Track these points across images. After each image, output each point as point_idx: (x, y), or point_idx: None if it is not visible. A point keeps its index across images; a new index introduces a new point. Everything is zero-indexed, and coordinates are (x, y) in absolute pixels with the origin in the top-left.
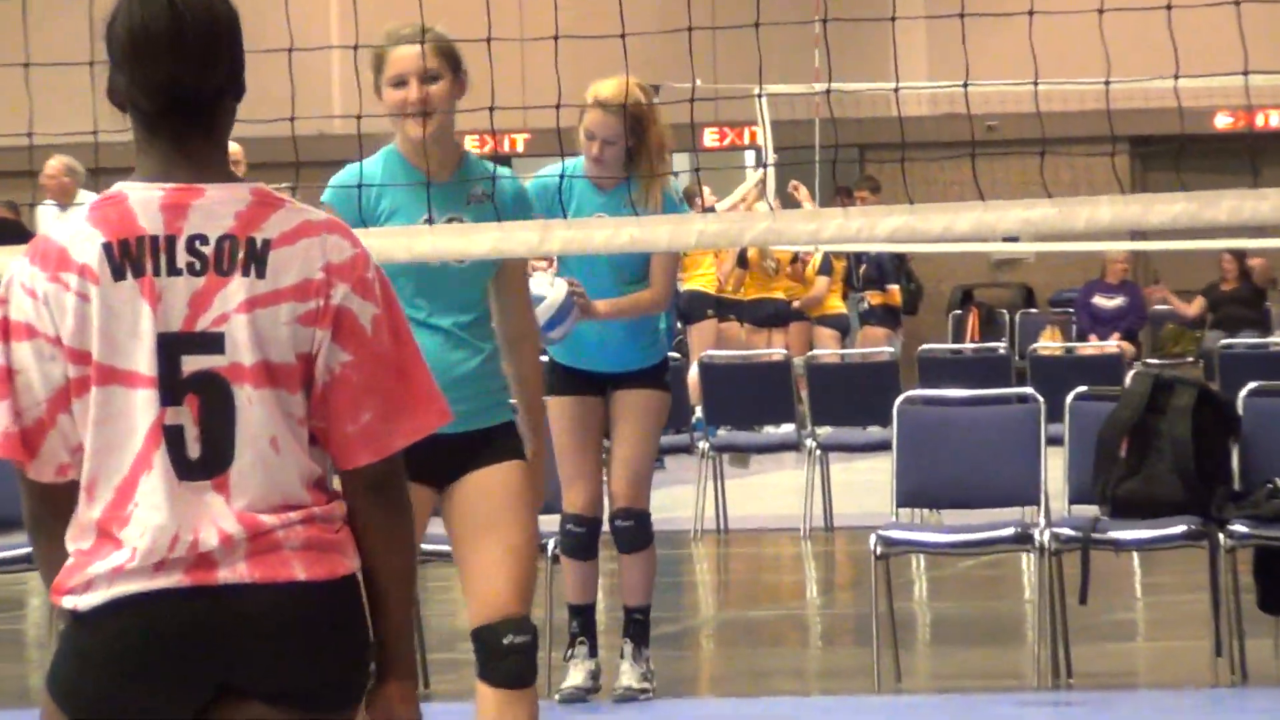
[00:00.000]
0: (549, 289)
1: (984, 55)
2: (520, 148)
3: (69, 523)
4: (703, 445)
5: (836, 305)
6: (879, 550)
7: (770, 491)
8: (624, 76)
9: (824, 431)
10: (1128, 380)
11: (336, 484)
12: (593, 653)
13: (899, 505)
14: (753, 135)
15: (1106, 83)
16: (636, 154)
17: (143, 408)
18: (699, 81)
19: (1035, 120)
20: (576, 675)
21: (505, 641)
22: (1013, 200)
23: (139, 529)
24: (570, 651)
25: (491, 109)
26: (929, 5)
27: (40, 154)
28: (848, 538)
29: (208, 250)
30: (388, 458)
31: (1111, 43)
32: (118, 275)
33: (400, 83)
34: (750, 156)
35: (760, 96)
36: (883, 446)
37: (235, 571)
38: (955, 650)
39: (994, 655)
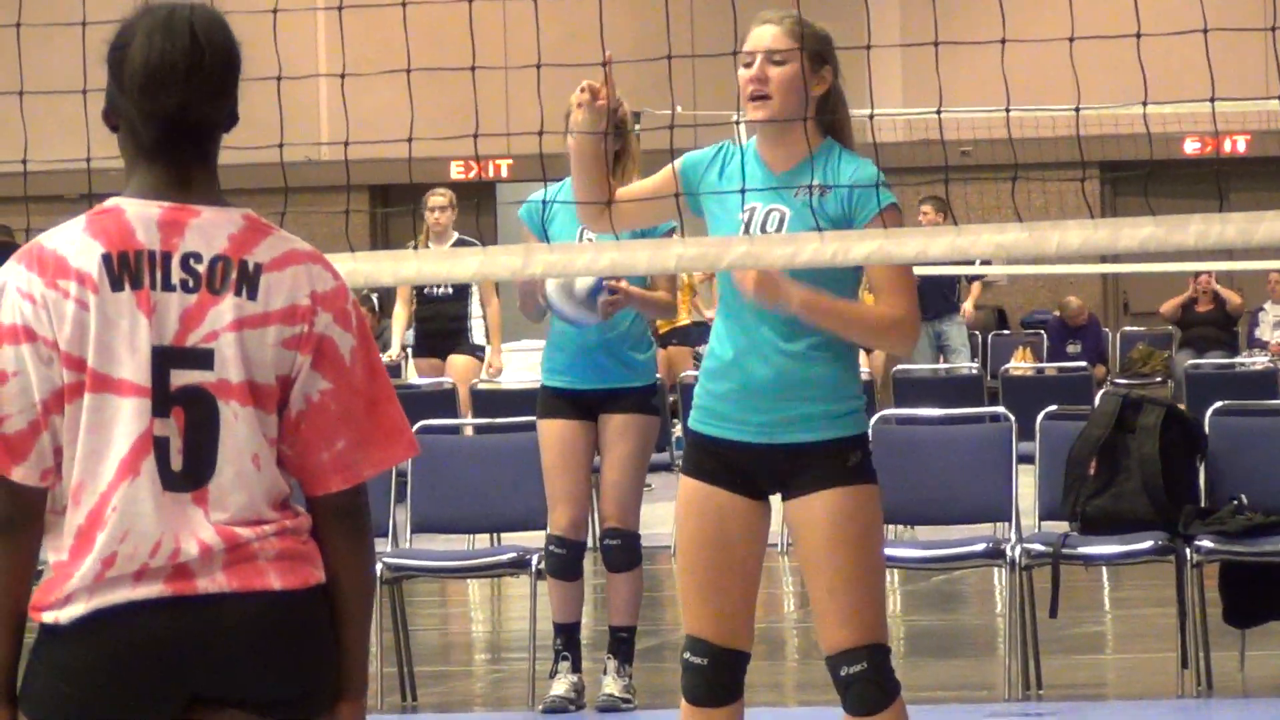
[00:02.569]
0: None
1: (958, 82)
2: (504, 173)
3: (37, 532)
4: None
5: None
6: None
7: None
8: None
9: None
10: (1097, 400)
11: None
12: (575, 669)
13: None
14: None
15: (1077, 110)
16: (619, 160)
17: (132, 416)
18: (679, 109)
19: (1008, 146)
20: (559, 686)
21: (842, 674)
22: (985, 224)
23: (118, 533)
24: (554, 668)
25: (476, 135)
26: (904, 33)
27: (34, 180)
28: None
29: (201, 269)
30: (356, 485)
31: (1082, 71)
32: (116, 286)
33: (747, 63)
34: None
35: (739, 124)
36: None
37: (214, 581)
38: (928, 662)
39: (966, 667)
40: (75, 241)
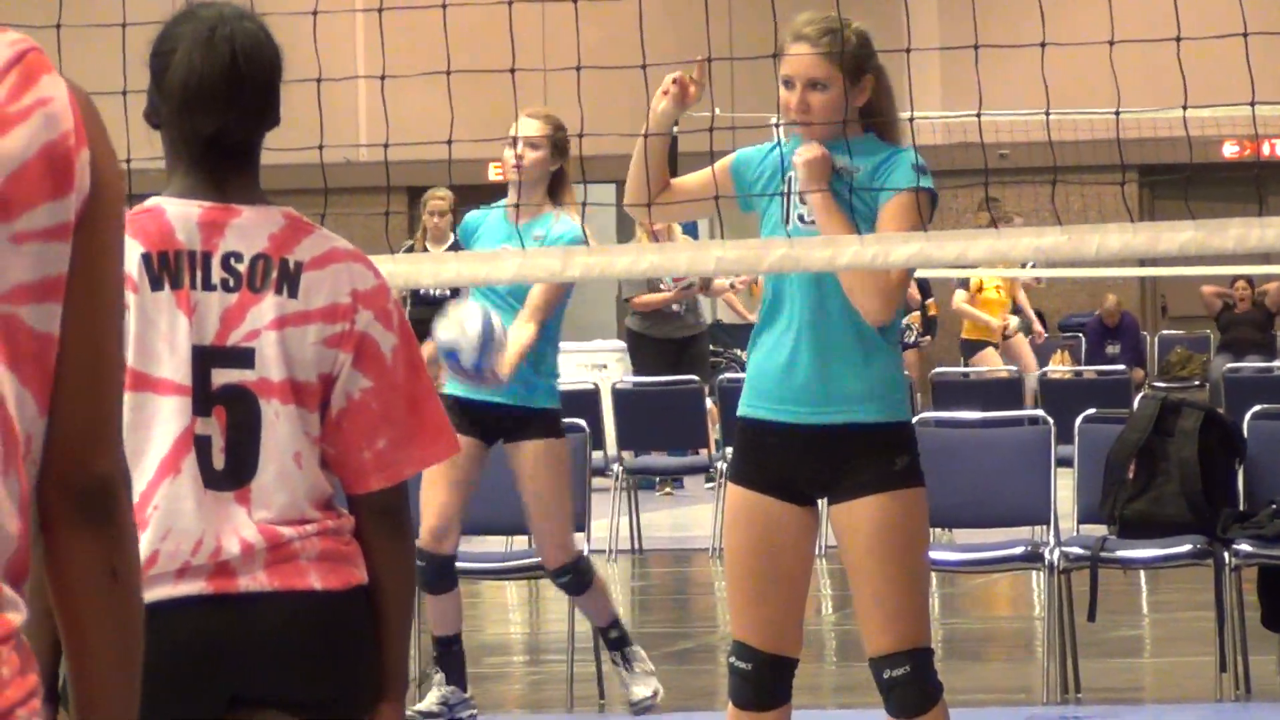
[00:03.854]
0: (464, 327)
1: (997, 85)
2: None
3: None
4: (720, 465)
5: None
6: None
7: None
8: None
9: None
10: (1136, 403)
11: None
12: (449, 681)
13: None
14: None
15: (1117, 113)
16: (558, 182)
17: (172, 415)
18: (718, 110)
19: (1047, 149)
20: (426, 701)
21: (885, 677)
22: (1025, 228)
23: (160, 531)
24: (423, 685)
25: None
26: (944, 36)
27: None
28: None
29: (242, 268)
30: (397, 484)
31: (1121, 74)
32: (155, 285)
33: (787, 84)
34: None
35: (778, 125)
36: None
37: (255, 580)
38: (967, 665)
39: (1004, 670)
40: None
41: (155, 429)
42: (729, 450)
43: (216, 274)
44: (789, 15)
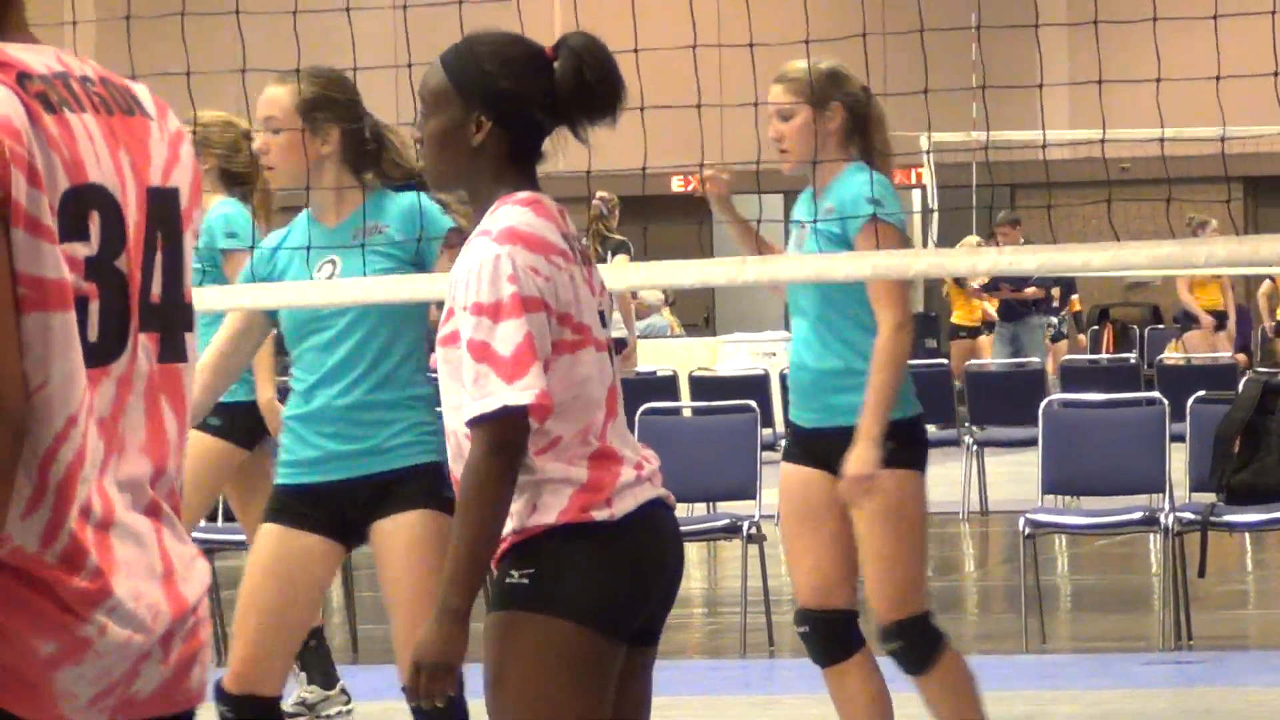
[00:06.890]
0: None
1: (1117, 107)
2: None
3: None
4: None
5: None
6: (1027, 531)
7: (933, 482)
8: None
9: (980, 430)
10: (1241, 386)
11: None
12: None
13: (1044, 492)
14: (919, 175)
15: (1223, 137)
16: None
17: (605, 365)
18: None
19: (1161, 163)
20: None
21: (887, 648)
22: (1144, 241)
23: (629, 449)
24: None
25: (701, 165)
26: (1071, 62)
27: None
28: (1000, 520)
29: (579, 247)
30: None
31: (1225, 99)
32: (575, 260)
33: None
34: (916, 195)
35: (928, 153)
36: (1031, 443)
37: (670, 497)
38: (1091, 616)
39: (1125, 621)
40: (540, 225)
41: (599, 378)
42: None
43: (579, 252)
44: (937, 57)
